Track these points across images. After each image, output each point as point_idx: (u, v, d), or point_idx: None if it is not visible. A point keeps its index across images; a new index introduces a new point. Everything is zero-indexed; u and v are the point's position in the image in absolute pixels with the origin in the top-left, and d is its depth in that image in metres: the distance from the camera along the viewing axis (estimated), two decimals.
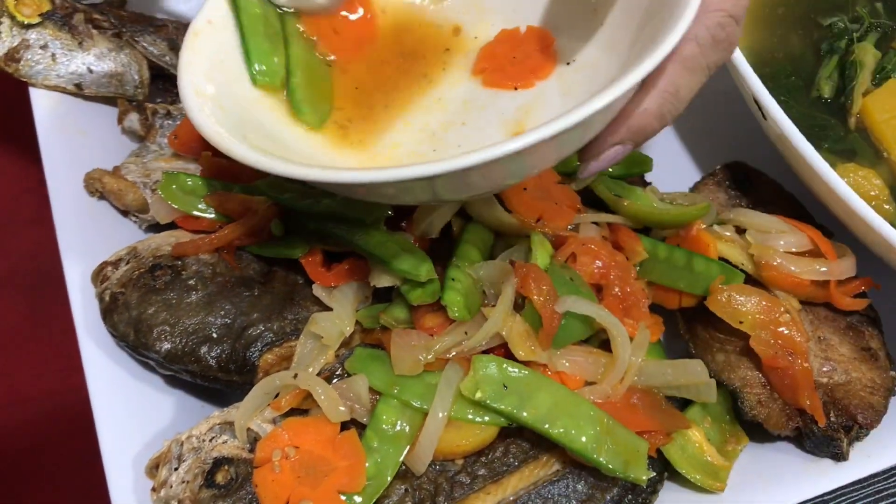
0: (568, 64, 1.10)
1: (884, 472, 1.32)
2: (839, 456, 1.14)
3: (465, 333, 1.06)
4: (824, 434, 1.12)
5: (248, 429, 1.04)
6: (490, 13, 1.15)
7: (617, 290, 1.16)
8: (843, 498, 1.30)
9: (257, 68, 1.04)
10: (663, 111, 0.93)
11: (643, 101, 0.92)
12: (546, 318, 1.06)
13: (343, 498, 0.99)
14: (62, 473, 1.51)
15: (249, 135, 0.96)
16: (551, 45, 1.12)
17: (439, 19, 1.16)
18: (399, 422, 1.03)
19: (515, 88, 1.09)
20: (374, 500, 1.01)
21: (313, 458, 1.01)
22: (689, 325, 1.23)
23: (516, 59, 1.11)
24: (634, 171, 1.34)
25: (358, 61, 1.11)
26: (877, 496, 1.30)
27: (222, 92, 1.00)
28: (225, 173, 1.20)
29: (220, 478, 1.01)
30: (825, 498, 1.30)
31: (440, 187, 0.91)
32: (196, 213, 1.18)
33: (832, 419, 1.12)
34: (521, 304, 1.09)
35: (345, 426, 1.04)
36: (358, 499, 1.00)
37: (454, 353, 1.06)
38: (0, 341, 1.61)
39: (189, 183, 1.18)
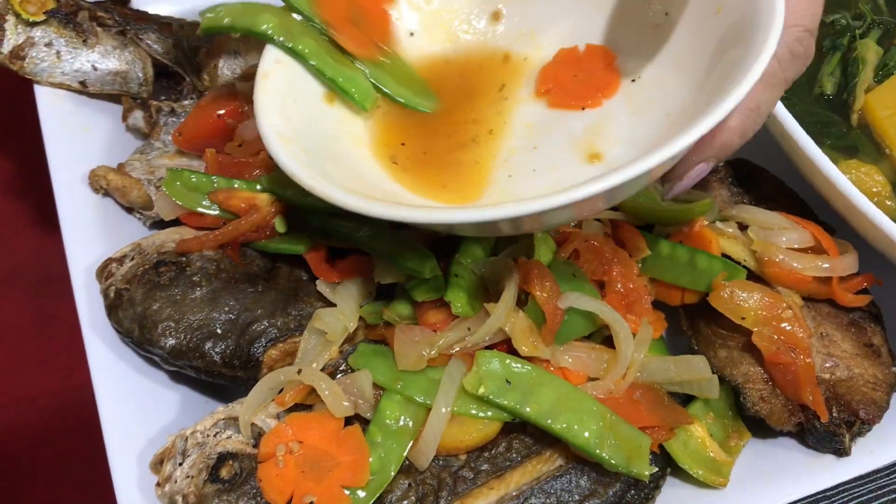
0: (633, 81, 1.10)
1: (886, 467, 1.32)
2: (841, 451, 1.14)
3: (469, 329, 1.06)
4: (826, 429, 1.12)
5: (253, 424, 1.05)
6: (541, 34, 1.17)
7: (619, 286, 1.16)
8: (846, 494, 1.30)
9: (356, 94, 1.07)
10: (745, 127, 0.95)
11: (726, 119, 0.93)
12: (549, 313, 1.06)
13: (347, 493, 1.00)
14: (67, 470, 1.52)
15: (331, 172, 0.97)
16: (613, 62, 1.13)
17: (488, 50, 1.18)
18: (402, 417, 1.04)
19: (583, 108, 1.11)
20: (378, 495, 1.02)
21: (317, 453, 1.01)
22: (691, 322, 1.23)
23: (579, 78, 1.12)
24: None
25: None
26: (878, 492, 1.31)
27: (301, 133, 1.01)
28: (229, 170, 1.20)
29: (224, 473, 1.02)
30: (827, 493, 1.30)
31: (527, 223, 0.95)
32: (200, 209, 1.18)
33: (834, 415, 1.12)
34: (524, 300, 1.09)
35: (348, 421, 1.04)
36: (362, 494, 1.01)
37: (457, 349, 1.06)
38: (5, 340, 1.61)
39: (193, 180, 1.18)
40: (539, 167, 1.06)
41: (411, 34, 1.18)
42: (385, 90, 1.11)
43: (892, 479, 1.32)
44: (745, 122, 0.94)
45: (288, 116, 1.01)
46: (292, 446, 1.01)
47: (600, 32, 1.15)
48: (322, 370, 1.07)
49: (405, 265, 1.08)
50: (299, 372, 1.05)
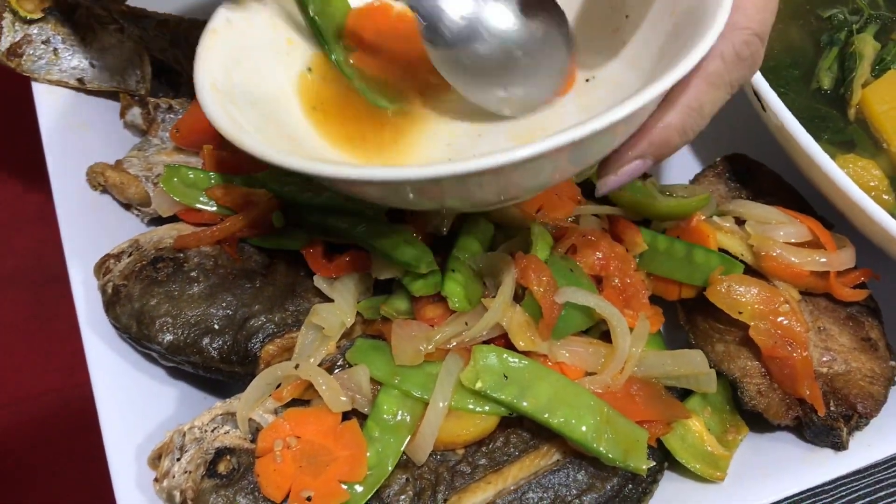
0: (587, 81, 1.10)
1: (884, 461, 1.32)
2: (839, 445, 1.14)
3: (466, 324, 1.07)
4: (824, 423, 1.12)
5: (250, 419, 1.05)
6: None
7: (616, 281, 1.16)
8: (844, 488, 1.30)
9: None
10: (686, 126, 0.94)
11: (665, 115, 0.93)
12: (546, 308, 1.06)
13: (344, 487, 1.00)
14: (67, 468, 1.52)
15: (263, 129, 0.97)
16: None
17: None
18: (400, 412, 1.04)
19: None
20: (376, 490, 1.02)
21: (315, 448, 1.01)
22: (688, 316, 1.23)
23: None
24: None
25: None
26: (877, 486, 1.31)
27: (237, 89, 1.00)
28: (226, 166, 1.20)
29: (222, 468, 1.02)
30: (825, 487, 1.30)
31: (448, 192, 0.91)
32: (198, 205, 1.18)
33: (832, 408, 1.12)
34: (521, 294, 1.10)
35: (346, 416, 1.04)
36: (359, 488, 1.01)
37: (454, 344, 1.07)
38: (4, 339, 1.62)
39: (191, 176, 1.19)
40: (480, 152, 1.04)
41: None
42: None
43: (890, 472, 1.32)
44: (685, 121, 0.93)
45: (227, 72, 1.00)
46: (290, 441, 1.01)
47: None
48: (319, 365, 1.07)
49: (402, 260, 1.08)
50: (297, 367, 1.05)
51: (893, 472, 1.32)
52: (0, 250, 1.72)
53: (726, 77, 0.93)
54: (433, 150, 1.06)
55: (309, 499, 0.98)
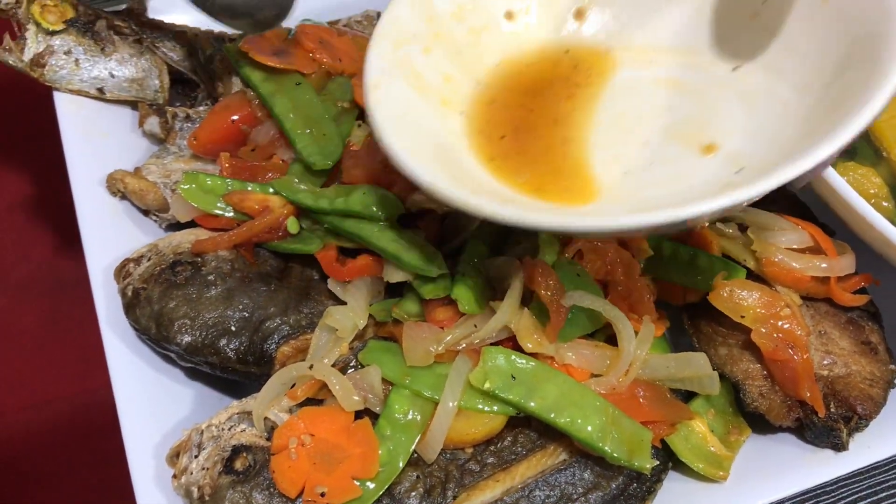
0: (734, 69, 1.09)
1: (885, 463, 1.35)
2: (839, 446, 1.17)
3: (475, 326, 1.09)
4: (824, 425, 1.15)
5: (266, 418, 1.08)
6: (627, 30, 1.17)
7: (622, 286, 1.19)
8: (845, 489, 1.32)
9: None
10: None
11: None
12: (553, 311, 1.09)
13: (357, 483, 1.03)
14: (83, 472, 1.54)
15: (458, 176, 0.99)
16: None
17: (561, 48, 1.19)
18: (411, 411, 1.07)
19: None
20: (387, 486, 1.05)
21: (328, 446, 1.04)
22: (692, 320, 1.26)
23: None
24: None
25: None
26: (877, 487, 1.33)
27: (420, 142, 1.02)
28: (242, 173, 1.24)
29: (238, 464, 1.05)
30: (826, 488, 1.32)
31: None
32: (215, 211, 1.22)
33: (832, 410, 1.15)
34: (529, 298, 1.13)
35: (358, 415, 1.07)
36: (371, 485, 1.04)
37: (464, 346, 1.09)
38: (21, 345, 1.64)
39: (208, 182, 1.22)
40: (653, 162, 1.05)
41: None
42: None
43: (890, 474, 1.34)
44: None
45: (405, 127, 1.02)
46: (304, 439, 1.04)
47: (690, 24, 1.14)
48: (333, 366, 1.10)
49: (413, 265, 1.11)
50: (311, 367, 1.08)
51: (894, 473, 1.34)
52: (16, 258, 1.74)
53: None
54: (606, 172, 1.05)
55: (323, 494, 1.01)
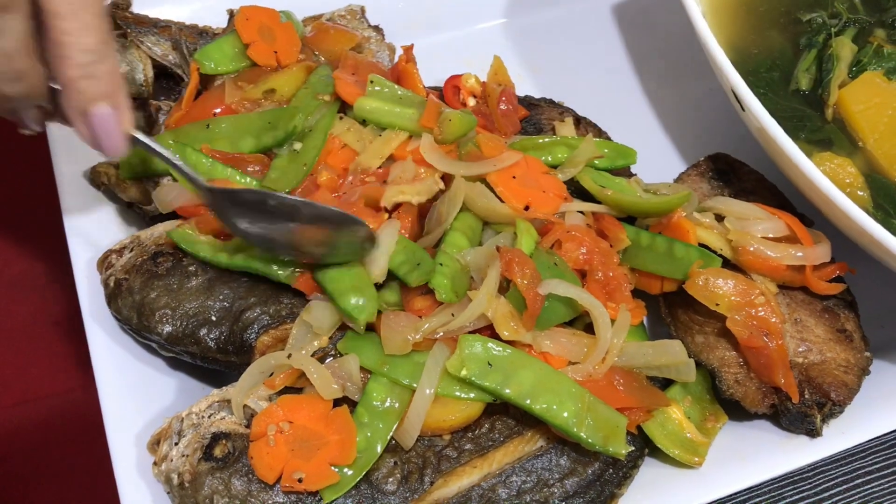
0: None
1: (862, 449, 1.36)
2: (813, 432, 1.18)
3: (452, 315, 1.10)
4: (798, 411, 1.16)
5: (245, 406, 1.09)
6: None
7: (600, 274, 1.20)
8: (822, 475, 1.34)
9: None
10: None
11: None
12: (529, 299, 1.10)
13: (335, 470, 1.04)
14: (76, 467, 1.55)
15: None
16: None
17: None
18: (388, 398, 1.08)
19: None
20: (365, 472, 1.06)
21: (307, 433, 1.05)
22: (670, 309, 1.27)
23: None
24: (619, 163, 1.38)
25: None
26: (853, 474, 1.34)
27: None
28: (227, 163, 1.25)
29: (218, 451, 1.06)
30: (803, 475, 1.34)
31: None
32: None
33: (806, 396, 1.16)
34: (506, 287, 1.14)
35: (337, 403, 1.09)
36: (348, 471, 1.05)
37: (441, 334, 1.10)
38: (14, 340, 1.65)
39: (192, 157, 1.22)
40: None
41: None
42: None
43: (866, 461, 1.35)
44: None
45: None
46: (283, 426, 1.05)
47: None
48: (312, 355, 1.11)
49: (343, 307, 1.10)
50: (289, 357, 1.09)
51: (869, 460, 1.36)
52: (9, 254, 1.75)
53: None
54: None
55: (300, 480, 1.02)
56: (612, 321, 1.14)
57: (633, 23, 1.77)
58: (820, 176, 1.19)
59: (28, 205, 1.71)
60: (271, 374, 1.11)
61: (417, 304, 1.14)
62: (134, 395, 1.18)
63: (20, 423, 1.57)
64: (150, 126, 1.38)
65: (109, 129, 1.02)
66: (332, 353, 1.13)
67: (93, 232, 1.29)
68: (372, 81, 1.31)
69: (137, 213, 1.34)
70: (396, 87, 1.33)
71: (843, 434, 1.19)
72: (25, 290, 1.67)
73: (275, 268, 1.15)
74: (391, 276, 1.15)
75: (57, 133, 1.37)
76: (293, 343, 1.13)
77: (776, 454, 1.18)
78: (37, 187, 1.69)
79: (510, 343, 1.11)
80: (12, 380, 1.60)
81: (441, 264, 1.14)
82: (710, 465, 1.16)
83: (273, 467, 1.04)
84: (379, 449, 1.07)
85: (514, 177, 1.25)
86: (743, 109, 1.29)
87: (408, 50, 1.41)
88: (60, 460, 1.53)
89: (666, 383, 1.20)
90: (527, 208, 1.23)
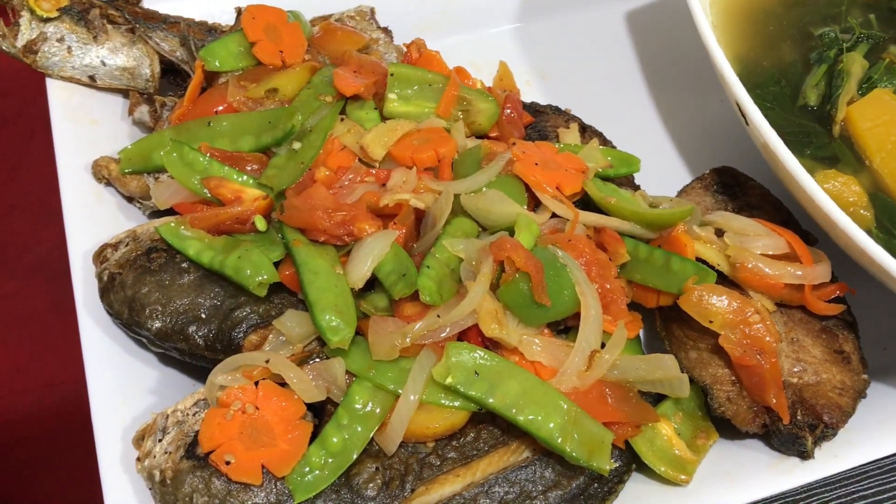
0: None
1: (857, 474, 1.34)
2: (805, 454, 1.16)
3: (438, 316, 1.09)
4: (789, 432, 1.14)
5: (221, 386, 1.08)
6: None
7: (597, 286, 1.18)
8: (815, 499, 1.32)
9: None
10: None
11: None
12: (532, 271, 1.08)
13: (262, 473, 1.04)
14: (89, 452, 1.57)
15: None
16: None
17: None
18: (370, 402, 1.07)
19: None
20: (346, 477, 1.06)
21: (264, 426, 1.05)
22: (665, 323, 1.26)
23: None
24: (622, 171, 1.37)
25: None
26: (847, 499, 1.32)
27: None
28: (226, 161, 1.25)
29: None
30: (797, 498, 1.32)
31: None
32: (192, 184, 1.22)
33: (798, 418, 1.14)
34: (496, 285, 1.12)
35: (321, 405, 1.08)
36: (274, 481, 1.04)
37: (430, 340, 1.10)
38: (28, 328, 1.67)
39: (190, 156, 1.23)
40: None
41: None
42: None
43: (861, 485, 1.33)
44: None
45: None
46: (248, 408, 1.05)
47: None
48: (297, 352, 1.11)
49: (319, 323, 1.09)
50: (267, 361, 1.08)
51: (865, 484, 1.33)
52: (28, 242, 1.77)
53: None
54: None
55: (228, 463, 1.02)
56: (608, 334, 1.13)
57: (645, 31, 1.75)
58: (821, 193, 1.17)
59: (51, 191, 1.73)
60: None
61: (406, 311, 1.13)
62: (123, 389, 1.19)
63: (38, 406, 1.59)
64: (154, 121, 1.39)
65: None
66: (319, 353, 1.12)
67: (92, 225, 1.30)
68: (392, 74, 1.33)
69: (138, 207, 1.35)
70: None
71: (835, 457, 1.17)
72: (45, 279, 1.69)
73: (247, 273, 1.14)
74: (379, 282, 1.14)
75: (62, 124, 1.38)
76: (272, 347, 1.13)
77: (765, 475, 1.16)
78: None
79: (495, 344, 1.10)
80: (31, 365, 1.62)
81: (428, 267, 1.13)
82: (697, 484, 1.15)
83: (213, 439, 1.04)
84: (355, 453, 1.06)
85: (535, 163, 1.25)
86: (747, 123, 1.27)
87: (419, 44, 1.42)
88: (77, 443, 1.54)
89: (658, 398, 1.19)
90: (557, 188, 1.24)
